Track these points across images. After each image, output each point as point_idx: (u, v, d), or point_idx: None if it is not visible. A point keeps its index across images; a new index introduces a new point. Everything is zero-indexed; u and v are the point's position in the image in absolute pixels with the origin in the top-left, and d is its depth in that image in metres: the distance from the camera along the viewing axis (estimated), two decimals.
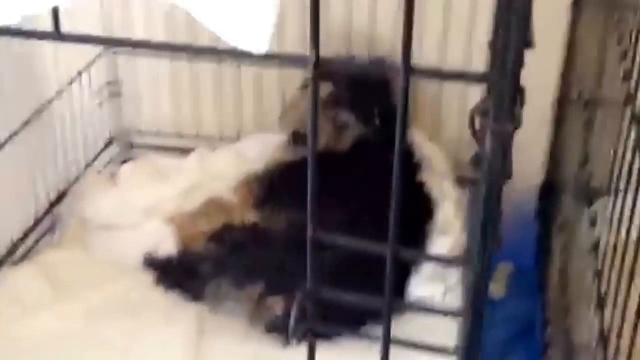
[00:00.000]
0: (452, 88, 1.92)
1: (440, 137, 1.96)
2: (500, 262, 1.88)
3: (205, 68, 2.03)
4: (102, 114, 2.05)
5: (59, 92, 1.89)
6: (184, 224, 1.81)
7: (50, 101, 1.86)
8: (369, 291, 1.58)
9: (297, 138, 1.79)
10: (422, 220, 1.71)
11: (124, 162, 2.11)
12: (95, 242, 1.82)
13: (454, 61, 1.89)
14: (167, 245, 1.76)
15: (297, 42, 1.91)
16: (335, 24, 1.91)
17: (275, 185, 1.78)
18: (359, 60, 1.86)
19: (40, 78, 1.87)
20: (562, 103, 1.91)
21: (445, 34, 1.89)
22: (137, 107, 2.11)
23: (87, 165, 2.01)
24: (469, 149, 1.88)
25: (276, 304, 1.58)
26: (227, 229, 1.69)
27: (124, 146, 2.14)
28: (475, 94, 1.92)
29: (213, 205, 1.84)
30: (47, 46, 1.88)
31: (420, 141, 1.91)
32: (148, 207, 1.88)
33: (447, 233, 1.72)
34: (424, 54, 1.88)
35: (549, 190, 1.94)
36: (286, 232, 1.62)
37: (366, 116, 1.78)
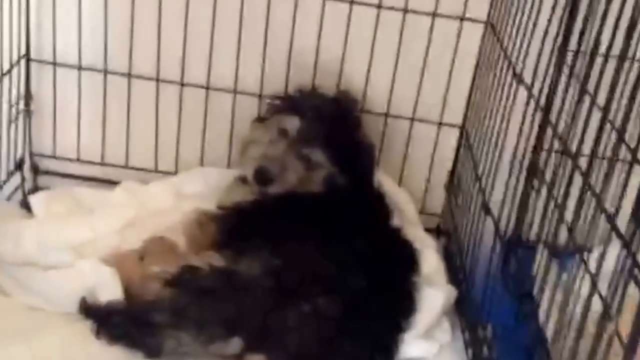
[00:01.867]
0: (423, 130, 1.81)
1: (406, 181, 1.84)
2: None
3: (143, 86, 1.78)
4: (10, 133, 1.74)
5: None
6: (126, 264, 1.53)
7: None
8: (358, 344, 1.46)
9: (261, 176, 1.58)
10: (409, 270, 1.55)
11: (33, 191, 1.80)
12: (12, 284, 1.50)
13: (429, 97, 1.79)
14: (107, 290, 1.47)
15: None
16: (304, 57, 1.76)
17: (239, 227, 1.55)
18: (323, 94, 1.70)
19: None
20: None
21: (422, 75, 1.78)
22: (52, 128, 1.81)
23: None
24: (435, 194, 1.79)
25: None
26: (187, 271, 1.44)
27: (34, 172, 1.84)
28: (447, 139, 1.87)
29: (159, 244, 1.59)
30: None
31: (390, 186, 1.76)
32: (75, 245, 1.59)
33: (434, 285, 1.58)
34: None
35: None
36: (263, 279, 1.40)
37: (337, 155, 1.61)
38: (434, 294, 1.55)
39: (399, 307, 1.49)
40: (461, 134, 1.81)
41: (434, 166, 1.83)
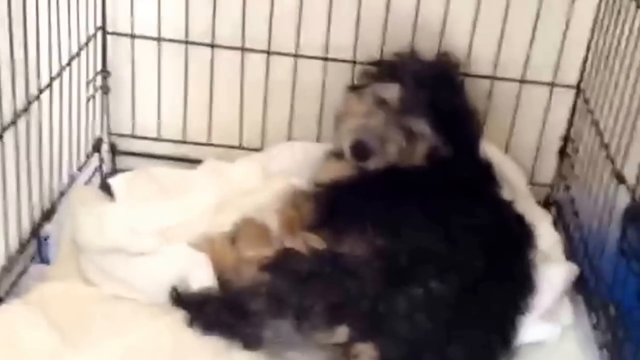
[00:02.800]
0: (533, 91, 1.64)
1: (514, 149, 1.68)
2: None
3: (226, 57, 1.65)
4: (88, 112, 1.64)
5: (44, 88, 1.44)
6: (218, 248, 1.41)
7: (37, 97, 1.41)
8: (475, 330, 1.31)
9: (359, 151, 1.44)
10: (526, 247, 1.39)
11: (112, 173, 1.70)
12: (97, 272, 1.40)
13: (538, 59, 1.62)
14: (199, 276, 1.36)
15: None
16: (401, 17, 1.61)
17: (338, 206, 1.41)
18: (425, 57, 1.54)
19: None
20: None
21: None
22: (130, 105, 1.70)
23: (72, 177, 1.59)
24: (544, 163, 1.61)
25: (367, 353, 1.22)
26: (286, 255, 1.32)
27: (113, 153, 1.74)
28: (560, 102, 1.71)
29: (251, 226, 1.46)
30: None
31: (496, 155, 1.60)
32: (161, 229, 1.48)
33: (552, 262, 1.42)
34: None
35: None
36: (369, 261, 1.27)
37: (441, 125, 1.46)
38: (554, 272, 1.40)
39: (518, 288, 1.34)
40: (577, 95, 1.63)
41: (545, 132, 1.67)
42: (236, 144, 1.71)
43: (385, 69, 1.52)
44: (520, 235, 1.40)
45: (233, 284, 1.34)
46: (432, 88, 1.46)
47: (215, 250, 1.40)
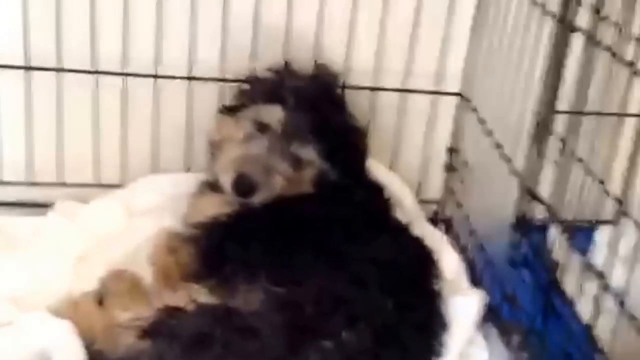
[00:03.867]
0: (415, 102, 1.53)
1: (398, 164, 1.56)
2: None
3: (75, 82, 1.43)
4: None
5: None
6: (84, 312, 1.19)
7: None
8: None
9: (243, 186, 1.27)
10: (431, 279, 1.27)
11: None
12: None
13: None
14: (64, 349, 1.14)
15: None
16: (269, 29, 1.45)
17: (222, 249, 1.23)
18: (301, 72, 1.39)
19: None
20: None
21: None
22: None
23: None
24: (432, 178, 1.50)
25: None
26: (169, 315, 1.12)
27: None
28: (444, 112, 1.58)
29: (121, 280, 1.26)
30: None
31: (382, 173, 1.48)
32: (13, 294, 1.24)
33: (459, 291, 1.31)
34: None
35: None
36: (269, 315, 1.10)
37: (328, 149, 1.31)
38: (465, 303, 1.28)
39: (431, 329, 1.21)
40: (461, 102, 1.53)
41: (430, 145, 1.57)
42: (92, 181, 1.49)
43: (263, 88, 1.35)
44: (424, 265, 1.28)
45: (106, 355, 1.13)
46: (316, 108, 1.32)
47: (81, 315, 1.18)
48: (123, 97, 1.44)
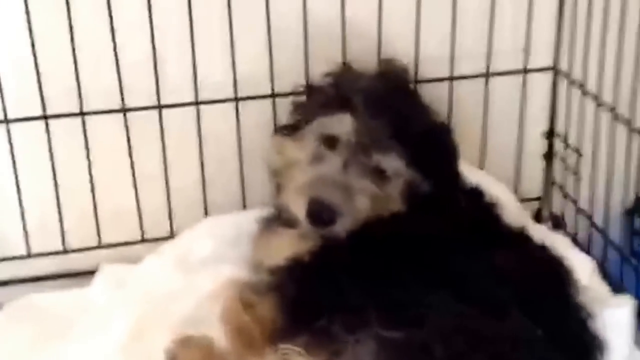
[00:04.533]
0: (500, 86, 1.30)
1: (489, 160, 1.33)
2: None
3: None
4: None
5: None
6: None
7: None
8: None
9: (320, 214, 1.04)
10: (569, 290, 1.03)
11: None
12: None
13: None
14: None
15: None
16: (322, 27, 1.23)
17: (311, 296, 0.98)
18: (363, 72, 1.16)
19: None
20: None
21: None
22: None
23: None
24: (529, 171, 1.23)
25: None
26: None
27: None
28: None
29: (193, 350, 1.02)
30: None
31: (473, 176, 1.24)
32: None
33: (605, 302, 1.07)
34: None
35: None
36: None
37: (414, 154, 1.07)
38: (617, 315, 1.04)
39: (589, 351, 0.97)
40: (555, 77, 1.31)
41: (523, 133, 1.33)
42: (136, 237, 1.27)
43: (323, 96, 1.13)
44: (560, 277, 1.04)
45: None
46: (391, 109, 1.08)
47: None
48: (158, 133, 1.22)
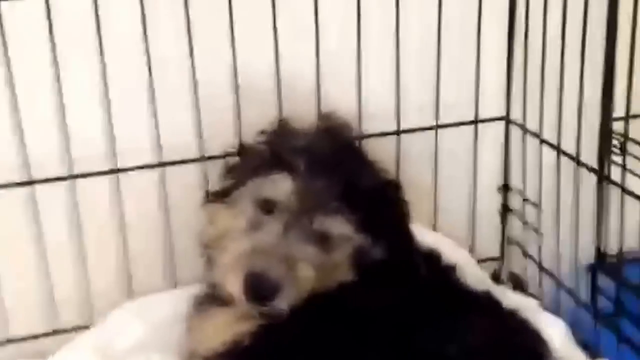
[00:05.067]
0: (452, 151, 1.21)
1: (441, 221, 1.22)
2: None
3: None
4: None
5: None
6: None
7: None
8: None
9: (258, 290, 0.89)
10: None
11: None
12: None
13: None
14: None
15: None
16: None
17: None
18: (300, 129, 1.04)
19: None
20: None
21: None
22: None
23: None
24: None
25: None
26: None
27: None
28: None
29: None
30: None
31: (428, 237, 1.12)
32: None
33: None
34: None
35: None
36: None
37: (362, 216, 0.95)
38: None
39: None
40: (507, 127, 1.22)
41: (477, 187, 1.24)
42: (48, 328, 1.10)
43: (259, 156, 1.01)
44: (536, 345, 0.92)
45: None
46: (335, 167, 0.96)
47: None
48: (70, 205, 1.08)
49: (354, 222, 0.94)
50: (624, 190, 1.06)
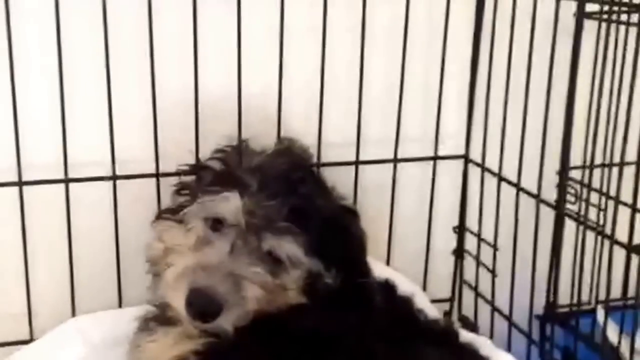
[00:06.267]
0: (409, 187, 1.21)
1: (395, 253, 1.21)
2: None
3: None
4: None
5: None
6: None
7: None
8: None
9: (201, 307, 0.88)
10: None
11: None
12: None
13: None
14: None
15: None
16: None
17: None
18: (256, 150, 1.04)
19: None
20: None
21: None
22: None
23: None
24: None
25: None
26: None
27: None
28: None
29: None
30: None
31: (382, 271, 1.11)
32: None
33: None
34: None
35: None
36: None
37: (314, 240, 0.94)
38: None
39: None
40: (466, 165, 1.23)
41: (432, 225, 1.23)
42: None
43: (211, 173, 1.00)
44: None
45: None
46: (289, 189, 0.95)
47: None
48: (14, 215, 1.05)
49: (304, 244, 0.93)
50: (583, 224, 1.07)
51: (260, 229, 0.92)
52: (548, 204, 1.09)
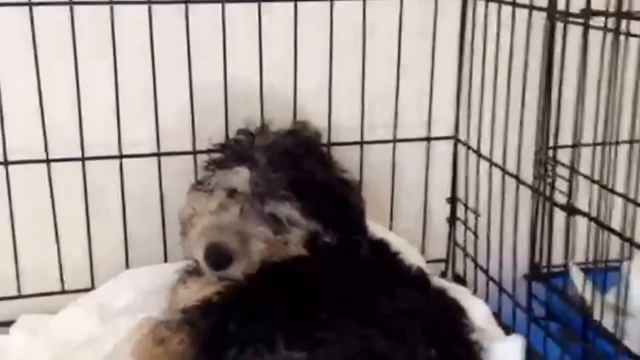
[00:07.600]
0: (408, 164, 1.41)
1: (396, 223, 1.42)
2: None
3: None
4: None
5: None
6: None
7: None
8: None
9: (216, 256, 1.11)
10: (463, 326, 1.10)
11: None
12: None
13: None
14: None
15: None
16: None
17: (225, 330, 1.04)
18: (275, 131, 1.26)
19: None
20: None
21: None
22: None
23: None
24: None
25: None
26: None
27: None
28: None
29: None
30: None
31: (382, 234, 1.32)
32: None
33: (494, 339, 1.14)
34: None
35: None
36: None
37: (313, 205, 1.16)
38: (505, 349, 1.12)
39: None
40: (455, 146, 1.43)
41: (428, 197, 1.44)
42: (56, 288, 1.31)
43: (230, 152, 1.22)
44: (456, 315, 1.11)
45: None
46: (292, 164, 1.17)
47: None
48: (81, 186, 1.29)
49: (301, 209, 1.14)
50: (555, 205, 1.20)
51: (264, 196, 1.14)
52: (524, 183, 1.24)
